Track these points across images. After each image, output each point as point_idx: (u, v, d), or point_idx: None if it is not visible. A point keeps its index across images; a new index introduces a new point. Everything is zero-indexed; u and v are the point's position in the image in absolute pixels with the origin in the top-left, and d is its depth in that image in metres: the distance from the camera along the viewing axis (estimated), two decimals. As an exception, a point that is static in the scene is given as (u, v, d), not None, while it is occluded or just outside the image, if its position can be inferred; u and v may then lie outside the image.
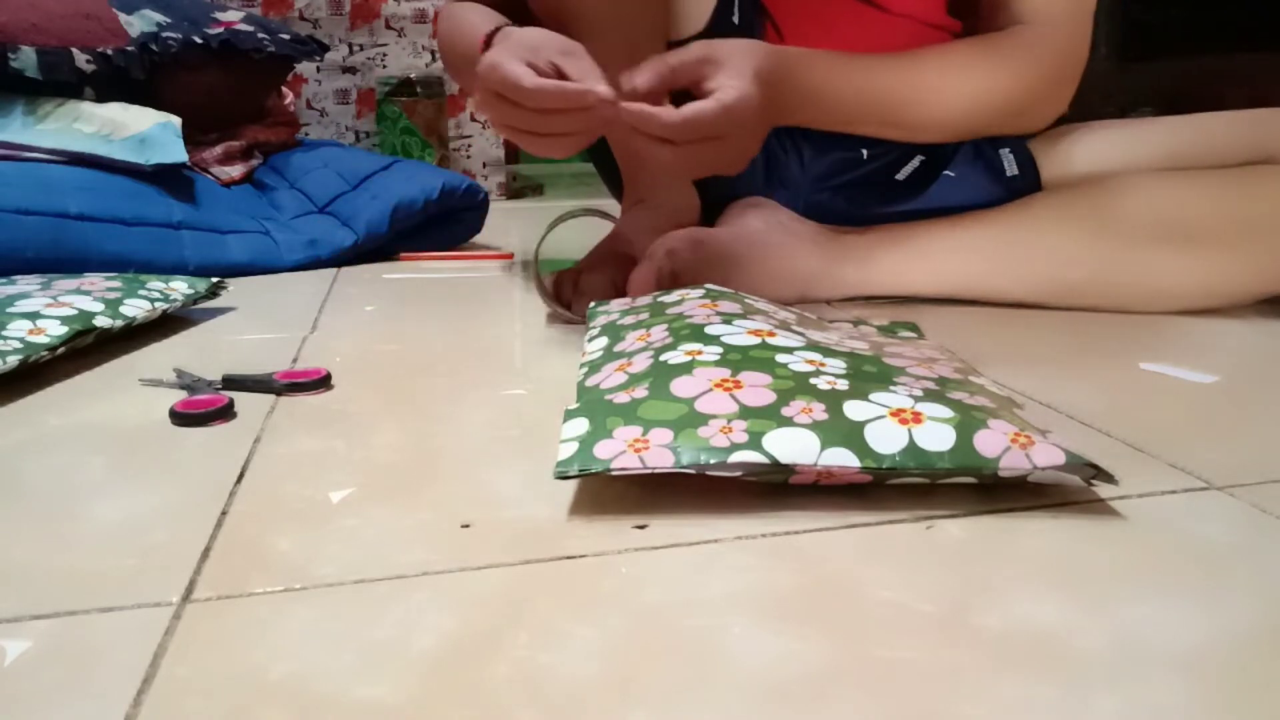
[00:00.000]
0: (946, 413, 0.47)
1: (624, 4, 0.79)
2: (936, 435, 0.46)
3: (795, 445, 0.46)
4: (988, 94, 0.81)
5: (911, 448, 0.45)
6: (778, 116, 0.73)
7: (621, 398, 0.51)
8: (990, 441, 0.45)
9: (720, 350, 0.55)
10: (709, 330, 0.58)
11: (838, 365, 0.53)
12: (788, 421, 0.47)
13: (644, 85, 0.67)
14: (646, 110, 0.65)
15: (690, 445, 0.46)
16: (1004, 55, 0.81)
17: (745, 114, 0.67)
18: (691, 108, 0.65)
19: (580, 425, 0.49)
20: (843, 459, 0.45)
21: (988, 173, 0.91)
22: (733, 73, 0.68)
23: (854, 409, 0.48)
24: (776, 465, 0.45)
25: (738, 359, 0.54)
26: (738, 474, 0.46)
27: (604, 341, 0.63)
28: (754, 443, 0.46)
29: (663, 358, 0.55)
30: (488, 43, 0.73)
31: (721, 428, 0.47)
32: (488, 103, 0.69)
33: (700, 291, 0.67)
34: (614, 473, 0.46)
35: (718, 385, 0.51)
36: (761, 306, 0.67)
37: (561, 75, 0.66)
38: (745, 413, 0.48)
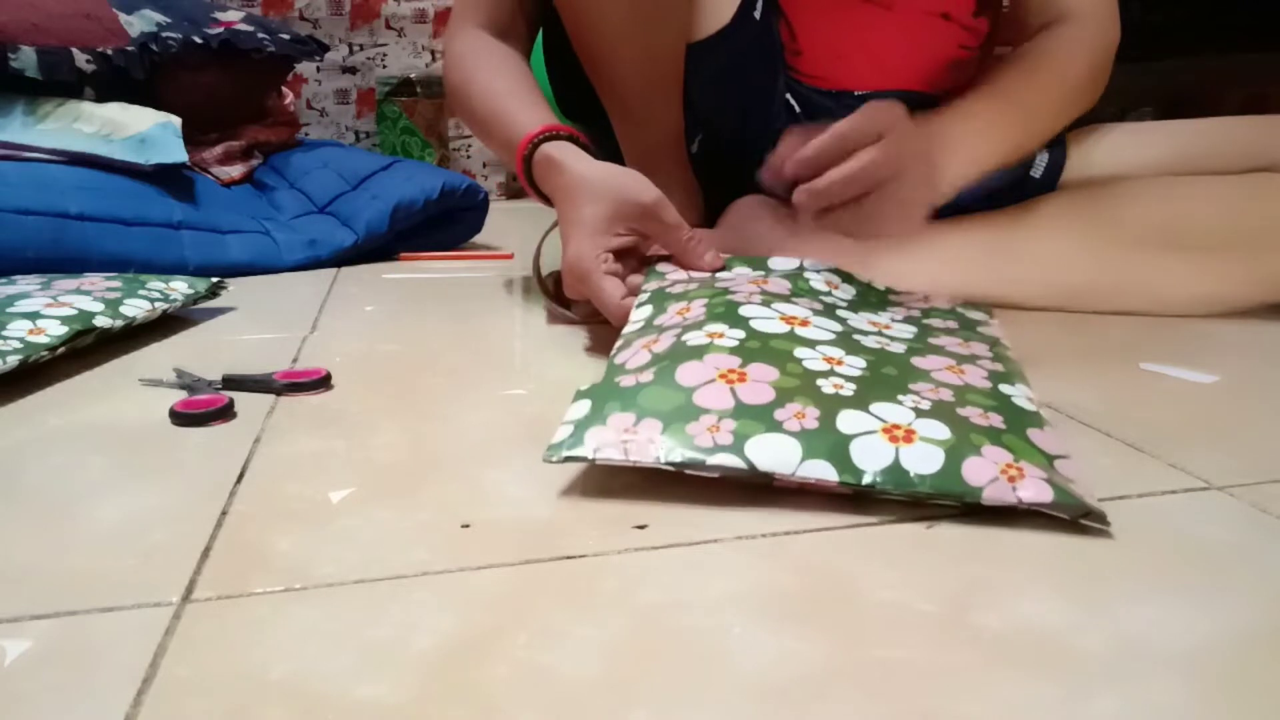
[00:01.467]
0: (943, 433, 0.47)
1: (645, 7, 0.78)
2: (923, 457, 0.45)
3: (776, 454, 0.46)
4: (1072, 96, 0.83)
5: (894, 467, 0.45)
6: (932, 174, 0.72)
7: (628, 381, 0.52)
8: (978, 470, 0.45)
9: (742, 335, 0.55)
10: (742, 311, 0.58)
11: (856, 364, 0.53)
12: (776, 426, 0.47)
13: (809, 164, 0.66)
14: (820, 183, 0.65)
15: (674, 442, 0.47)
16: (1067, 57, 0.83)
17: (900, 140, 0.66)
18: (852, 160, 0.65)
19: (583, 408, 0.50)
20: (821, 472, 0.45)
21: (1010, 170, 0.91)
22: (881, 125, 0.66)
23: (848, 420, 0.47)
24: (754, 471, 0.45)
25: (755, 347, 0.54)
26: (715, 475, 0.46)
27: (648, 311, 0.64)
28: (736, 446, 0.46)
29: (684, 337, 0.56)
30: (528, 151, 0.76)
31: (710, 425, 0.47)
32: (574, 292, 0.73)
33: (757, 268, 0.69)
34: (597, 462, 0.47)
35: (722, 376, 0.51)
36: (818, 286, 0.67)
37: (640, 234, 0.72)
38: (738, 411, 0.48)
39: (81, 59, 1.20)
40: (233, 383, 0.66)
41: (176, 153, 1.15)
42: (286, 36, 1.44)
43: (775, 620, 0.36)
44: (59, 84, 1.18)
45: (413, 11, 1.95)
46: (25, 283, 0.81)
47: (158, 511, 0.46)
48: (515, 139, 0.78)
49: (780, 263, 0.71)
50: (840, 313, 0.62)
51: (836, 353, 0.54)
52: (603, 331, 0.81)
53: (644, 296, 0.67)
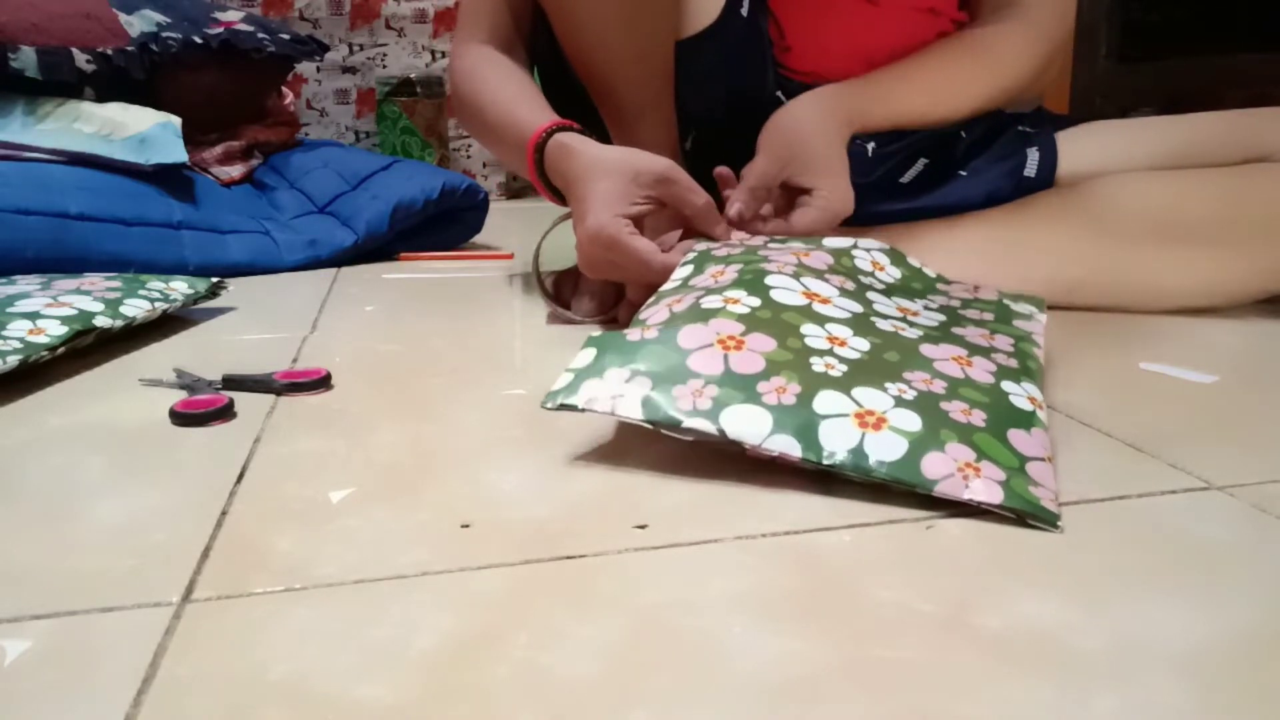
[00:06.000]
0: (914, 425, 0.48)
1: (632, 5, 0.79)
2: (887, 445, 0.47)
3: (747, 424, 0.48)
4: (995, 83, 0.88)
5: (856, 451, 0.47)
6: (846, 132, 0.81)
7: (634, 336, 0.54)
8: (936, 464, 0.46)
9: (757, 303, 0.57)
10: (768, 280, 0.60)
11: (859, 346, 0.54)
12: (756, 398, 0.49)
13: (749, 212, 0.76)
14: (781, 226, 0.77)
15: (657, 402, 0.50)
16: (1001, 50, 0.87)
17: (846, 199, 0.77)
18: (807, 221, 0.77)
19: (587, 357, 0.53)
20: (786, 446, 0.47)
21: (1006, 171, 0.92)
22: (818, 170, 0.77)
23: (825, 400, 0.49)
24: (724, 438, 0.48)
25: (764, 317, 0.55)
26: (689, 439, 0.49)
27: (688, 271, 0.66)
28: (713, 412, 0.49)
29: (702, 300, 0.58)
30: (540, 141, 0.78)
31: (695, 389, 0.50)
32: (596, 265, 0.75)
33: (809, 241, 0.70)
34: (584, 412, 0.50)
35: (720, 341, 0.53)
36: (861, 265, 0.68)
37: (659, 202, 0.74)
38: (724, 378, 0.51)
39: (81, 59, 1.20)
40: (233, 383, 0.66)
41: (176, 153, 1.15)
42: (286, 36, 1.44)
43: (775, 620, 0.36)
44: (59, 84, 1.18)
45: (413, 11, 1.95)
46: (25, 283, 0.81)
47: (158, 511, 0.46)
48: (526, 136, 0.79)
49: (834, 241, 0.71)
50: (870, 294, 0.63)
51: (844, 332, 0.55)
52: (604, 331, 0.81)
53: (690, 256, 0.69)
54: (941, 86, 0.85)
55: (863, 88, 0.82)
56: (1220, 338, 0.78)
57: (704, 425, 0.48)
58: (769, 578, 0.40)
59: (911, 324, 0.60)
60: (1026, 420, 0.50)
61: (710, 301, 0.57)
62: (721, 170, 0.81)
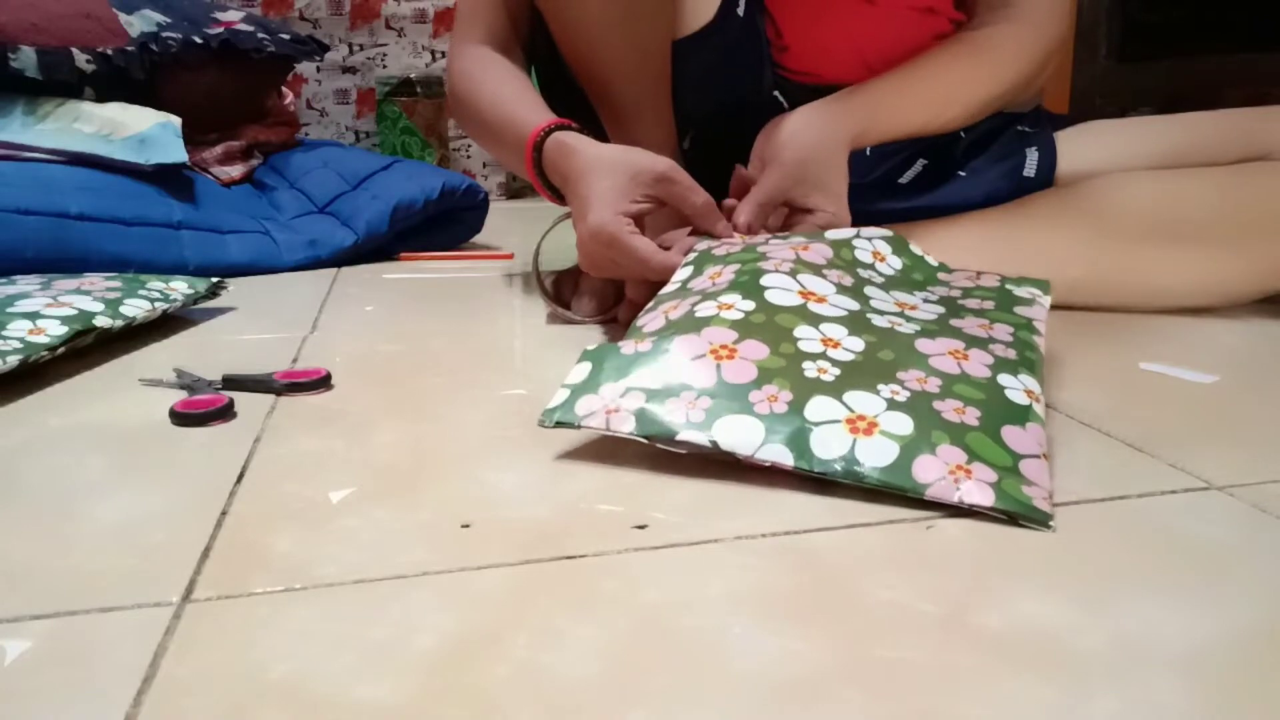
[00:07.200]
0: (905, 428, 0.48)
1: (631, 6, 0.79)
2: (878, 450, 0.47)
3: (739, 435, 0.49)
4: (995, 89, 0.86)
5: (848, 457, 0.47)
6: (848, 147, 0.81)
7: (629, 349, 0.54)
8: (927, 467, 0.46)
9: (751, 307, 0.57)
10: (764, 281, 0.60)
11: (854, 346, 0.54)
12: (748, 408, 0.50)
13: (756, 225, 0.75)
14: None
15: (652, 416, 0.50)
16: (1000, 53, 0.86)
17: (844, 212, 0.77)
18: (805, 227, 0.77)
19: (583, 371, 0.54)
20: (778, 455, 0.48)
21: (1005, 172, 0.92)
22: (823, 193, 0.76)
23: (816, 407, 0.50)
24: (717, 450, 0.48)
25: (759, 321, 0.56)
26: (682, 451, 0.49)
27: (688, 272, 0.66)
28: (706, 424, 0.49)
29: (697, 307, 0.58)
30: (539, 139, 0.78)
31: (688, 402, 0.50)
32: (597, 263, 0.74)
33: (810, 234, 0.70)
34: (582, 429, 0.50)
35: (712, 351, 0.53)
36: (862, 256, 0.67)
37: (659, 201, 0.73)
38: (717, 389, 0.51)
39: (81, 59, 1.20)
40: (233, 383, 0.66)
41: (176, 153, 1.15)
42: (286, 36, 1.44)
43: (775, 620, 0.36)
44: (59, 84, 1.18)
45: (413, 11, 1.95)
46: (25, 283, 0.81)
47: (158, 511, 0.46)
48: (524, 135, 0.79)
49: (835, 232, 0.71)
50: (868, 290, 0.63)
51: (839, 332, 0.55)
52: (604, 331, 0.81)
53: (691, 256, 0.69)
54: (941, 96, 0.85)
55: (864, 104, 0.81)
56: (1220, 338, 0.78)
57: (697, 437, 0.49)
58: (769, 578, 0.40)
59: (909, 319, 0.59)
60: (1022, 415, 0.50)
61: (704, 309, 0.57)
62: (742, 171, 0.80)
